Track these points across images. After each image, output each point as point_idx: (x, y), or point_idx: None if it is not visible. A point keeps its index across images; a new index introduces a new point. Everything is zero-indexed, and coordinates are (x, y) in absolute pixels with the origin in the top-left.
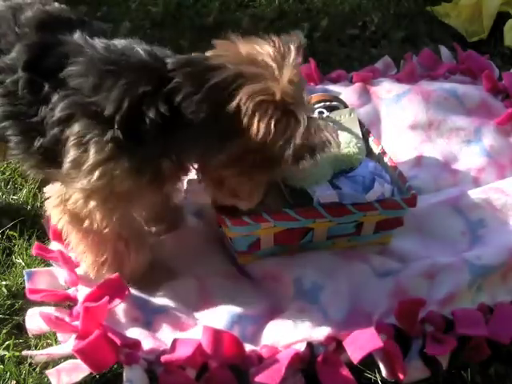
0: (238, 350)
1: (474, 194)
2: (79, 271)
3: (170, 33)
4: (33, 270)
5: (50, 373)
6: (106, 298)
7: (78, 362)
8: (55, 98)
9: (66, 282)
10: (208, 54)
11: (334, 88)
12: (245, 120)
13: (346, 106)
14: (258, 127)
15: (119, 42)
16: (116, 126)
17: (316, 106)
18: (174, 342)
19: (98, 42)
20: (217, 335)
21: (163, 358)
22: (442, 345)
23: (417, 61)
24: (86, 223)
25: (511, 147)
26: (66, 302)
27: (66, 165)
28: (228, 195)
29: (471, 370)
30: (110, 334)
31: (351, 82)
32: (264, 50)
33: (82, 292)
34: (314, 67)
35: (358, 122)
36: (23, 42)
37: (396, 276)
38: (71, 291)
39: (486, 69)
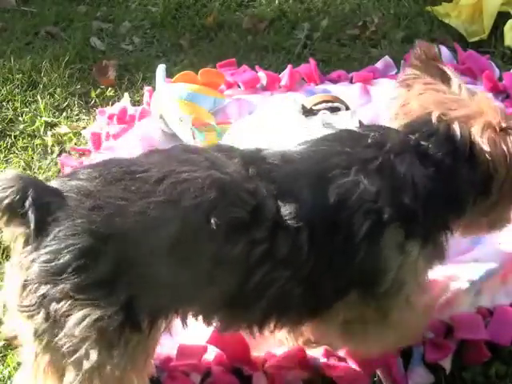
0: (244, 350)
1: None
2: None
3: (169, 33)
4: None
5: None
6: None
7: None
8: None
9: None
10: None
11: (334, 88)
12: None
13: (347, 107)
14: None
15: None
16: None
17: (318, 106)
18: (179, 348)
19: None
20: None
21: (171, 365)
22: (440, 350)
23: None
24: None
25: None
26: None
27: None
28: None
29: (472, 370)
30: None
31: (351, 82)
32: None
33: None
34: (314, 67)
35: (358, 125)
36: None
37: None
38: None
39: (486, 69)
